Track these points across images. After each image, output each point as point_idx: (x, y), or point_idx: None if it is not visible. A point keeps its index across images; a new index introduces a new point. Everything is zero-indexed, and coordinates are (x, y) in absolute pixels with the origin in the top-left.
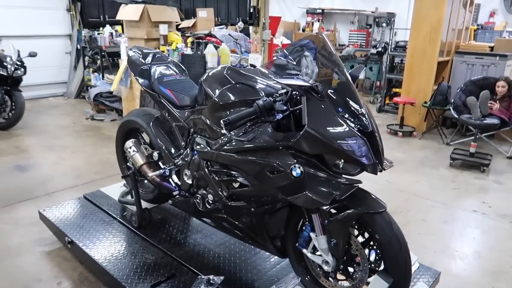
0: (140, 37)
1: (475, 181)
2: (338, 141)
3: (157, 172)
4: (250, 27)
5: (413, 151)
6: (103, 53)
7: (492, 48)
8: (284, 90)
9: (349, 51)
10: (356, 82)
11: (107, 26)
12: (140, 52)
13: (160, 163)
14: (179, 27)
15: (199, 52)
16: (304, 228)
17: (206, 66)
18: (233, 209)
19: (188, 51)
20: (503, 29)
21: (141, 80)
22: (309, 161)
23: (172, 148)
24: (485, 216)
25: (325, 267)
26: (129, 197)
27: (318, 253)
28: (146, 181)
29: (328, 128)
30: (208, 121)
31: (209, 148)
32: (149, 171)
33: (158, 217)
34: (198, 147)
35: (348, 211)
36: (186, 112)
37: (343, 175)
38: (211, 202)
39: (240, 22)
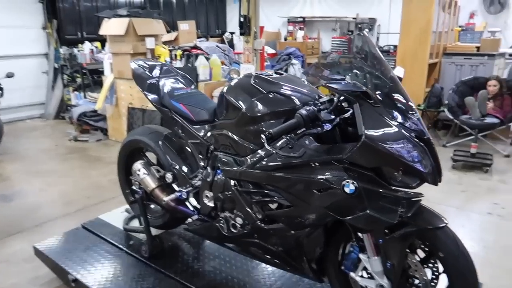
0: (125, 52)
1: (481, 182)
2: (399, 151)
3: (172, 196)
4: (234, 37)
5: None
6: (84, 71)
7: (478, 48)
8: (327, 98)
9: (334, 58)
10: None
11: (86, 42)
12: (146, 65)
13: (174, 185)
14: (161, 40)
15: (189, 65)
16: (352, 249)
17: (198, 79)
18: (267, 232)
19: (178, 64)
20: (483, 29)
21: (150, 96)
22: (363, 174)
23: (188, 168)
24: (501, 218)
25: None
26: (134, 223)
27: (365, 275)
28: (153, 206)
29: (386, 137)
30: (235, 136)
31: (237, 166)
32: (162, 195)
33: (168, 244)
34: (223, 165)
35: (405, 228)
36: (205, 128)
37: (402, 189)
38: (239, 225)
39: (228, 33)
